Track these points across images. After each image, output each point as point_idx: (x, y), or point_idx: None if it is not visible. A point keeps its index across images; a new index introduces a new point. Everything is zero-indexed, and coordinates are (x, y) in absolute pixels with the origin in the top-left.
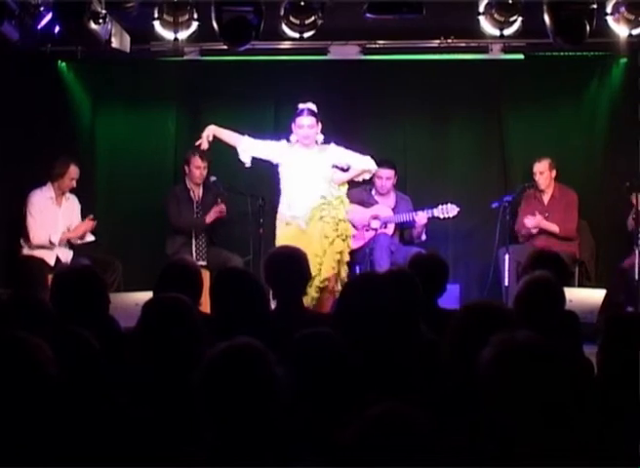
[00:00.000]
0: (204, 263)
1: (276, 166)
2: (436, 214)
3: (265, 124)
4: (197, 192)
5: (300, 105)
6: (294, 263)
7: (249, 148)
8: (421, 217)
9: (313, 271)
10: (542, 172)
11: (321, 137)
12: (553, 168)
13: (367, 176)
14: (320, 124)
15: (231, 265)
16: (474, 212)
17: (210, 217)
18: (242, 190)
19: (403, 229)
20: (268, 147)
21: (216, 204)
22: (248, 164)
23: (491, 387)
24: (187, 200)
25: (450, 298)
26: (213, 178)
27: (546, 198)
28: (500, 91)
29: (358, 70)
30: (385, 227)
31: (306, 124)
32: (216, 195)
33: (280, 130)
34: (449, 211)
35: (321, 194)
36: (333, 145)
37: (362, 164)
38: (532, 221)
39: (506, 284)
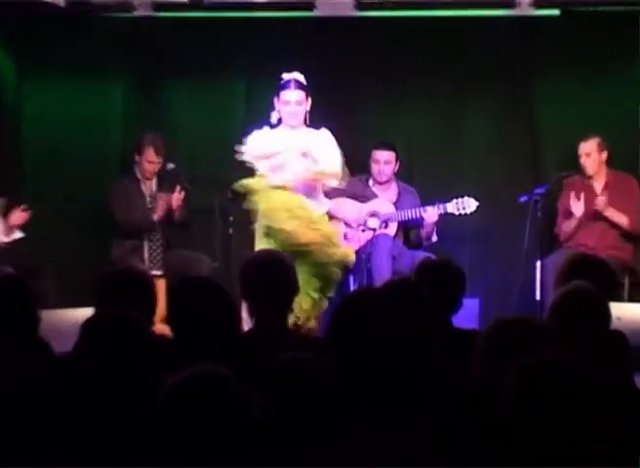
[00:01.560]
0: (159, 272)
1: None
2: (450, 210)
3: (236, 100)
4: (150, 185)
5: (286, 76)
6: (279, 272)
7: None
8: (431, 214)
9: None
10: (590, 153)
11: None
12: (603, 149)
13: (332, 183)
14: (310, 99)
15: (195, 272)
16: (497, 207)
17: (159, 213)
18: (208, 182)
19: (408, 229)
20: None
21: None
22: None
23: (512, 416)
24: (137, 194)
25: (467, 316)
26: (170, 166)
27: (598, 186)
28: (531, 56)
29: (352, 31)
30: (386, 226)
31: (294, 99)
32: (173, 186)
33: (254, 107)
34: (466, 206)
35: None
36: (325, 131)
37: (326, 165)
38: (581, 206)
39: (538, 297)
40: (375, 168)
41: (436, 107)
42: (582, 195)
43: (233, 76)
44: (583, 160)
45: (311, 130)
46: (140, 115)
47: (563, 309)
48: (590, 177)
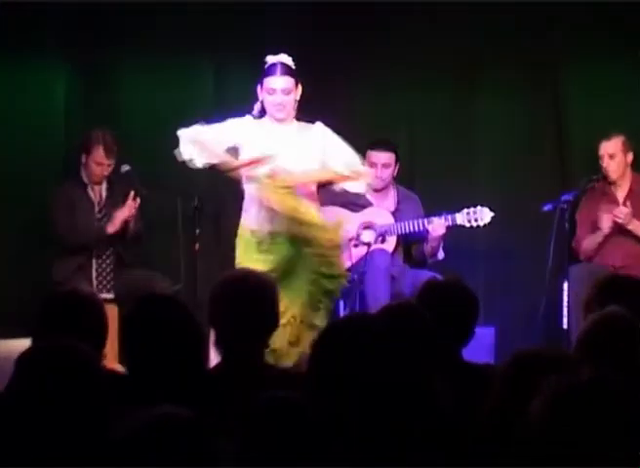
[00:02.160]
0: (109, 296)
1: (233, 151)
2: (460, 222)
3: (202, 87)
4: (99, 190)
5: (271, 58)
6: (257, 297)
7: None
8: (438, 226)
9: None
10: (614, 154)
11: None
12: (629, 149)
13: (355, 188)
14: (300, 87)
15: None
16: (516, 218)
17: (114, 225)
18: (169, 187)
19: (409, 244)
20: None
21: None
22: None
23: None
24: (84, 201)
25: (480, 348)
26: (125, 168)
27: (621, 193)
28: (557, 39)
29: (344, 8)
30: (383, 241)
31: (279, 87)
32: (127, 192)
33: (224, 95)
34: (479, 216)
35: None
36: (320, 125)
37: (352, 166)
38: (608, 220)
39: (565, 326)
40: (372, 172)
41: (444, 100)
42: (603, 204)
43: (199, 58)
44: (606, 162)
45: (303, 124)
46: (87, 109)
47: (593, 340)
48: (613, 183)
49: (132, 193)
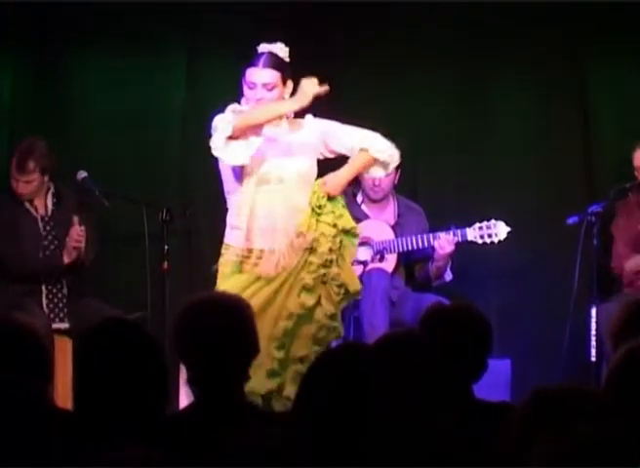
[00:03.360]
0: (64, 325)
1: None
2: (471, 238)
3: (172, 80)
4: (42, 203)
5: (262, 47)
6: (233, 324)
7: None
8: (445, 243)
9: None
10: None
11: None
12: None
13: (378, 173)
14: (290, 83)
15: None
16: (536, 233)
17: (70, 254)
18: (133, 197)
19: (412, 263)
20: None
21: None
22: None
23: None
24: (24, 218)
25: (495, 383)
26: (82, 175)
27: None
28: (583, 32)
29: None
30: (381, 259)
31: (260, 80)
32: (83, 203)
33: (196, 95)
34: (493, 232)
35: (302, 204)
36: (310, 118)
37: (368, 142)
38: (634, 262)
39: (593, 358)
40: (368, 180)
41: (453, 98)
42: (637, 216)
43: (170, 46)
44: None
45: (293, 121)
46: (36, 108)
47: (624, 376)
48: None
49: (75, 219)
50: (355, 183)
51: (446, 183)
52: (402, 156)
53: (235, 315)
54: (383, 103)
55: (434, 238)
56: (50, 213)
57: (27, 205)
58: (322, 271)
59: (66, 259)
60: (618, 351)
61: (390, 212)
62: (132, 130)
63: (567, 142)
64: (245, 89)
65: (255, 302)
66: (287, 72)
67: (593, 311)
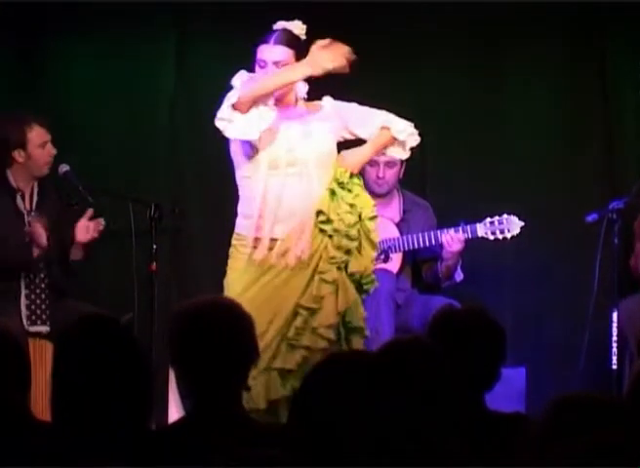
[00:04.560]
0: (45, 328)
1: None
2: (481, 234)
3: (161, 65)
4: (28, 194)
5: (278, 24)
6: (230, 329)
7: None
8: (454, 240)
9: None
10: None
11: (304, 88)
12: None
13: (398, 154)
14: None
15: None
16: (553, 230)
17: (39, 243)
18: (119, 192)
19: (419, 262)
20: None
21: (73, 215)
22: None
23: None
24: (9, 211)
25: (508, 392)
26: (64, 168)
27: None
28: (602, 22)
29: None
30: (386, 259)
31: (271, 58)
32: (66, 199)
33: (186, 81)
34: (505, 227)
35: (321, 190)
36: (329, 99)
37: (389, 121)
38: None
39: (614, 366)
40: (371, 172)
41: (461, 83)
42: None
43: (159, 25)
44: None
45: (310, 104)
46: (13, 96)
47: None
48: None
49: (90, 211)
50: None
51: (455, 177)
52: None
53: (237, 321)
54: (393, 97)
55: (443, 234)
56: (35, 205)
57: (18, 196)
58: (344, 258)
59: (36, 252)
60: (636, 363)
61: (395, 208)
62: (117, 120)
63: (586, 136)
64: (256, 68)
65: (264, 294)
66: (301, 50)
67: (614, 315)
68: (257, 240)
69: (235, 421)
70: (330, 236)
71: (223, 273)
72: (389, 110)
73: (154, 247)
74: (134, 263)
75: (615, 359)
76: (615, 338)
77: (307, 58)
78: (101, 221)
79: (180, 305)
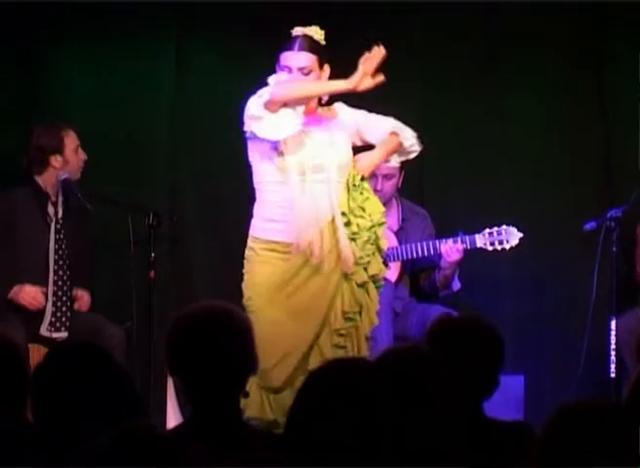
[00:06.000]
0: (63, 335)
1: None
2: (480, 245)
3: (161, 68)
4: (53, 202)
5: (295, 31)
6: (229, 336)
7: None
8: (452, 250)
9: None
10: None
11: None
12: None
13: (394, 160)
14: (327, 67)
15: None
16: (551, 239)
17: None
18: (117, 199)
19: (417, 272)
20: None
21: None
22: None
23: None
24: (37, 220)
25: (507, 400)
26: (63, 175)
27: None
28: (602, 24)
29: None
30: (385, 268)
31: (296, 64)
32: (77, 209)
33: (186, 86)
34: (504, 238)
35: (338, 193)
36: (342, 105)
37: (398, 127)
38: None
39: (613, 374)
40: (370, 184)
41: (460, 93)
42: None
43: (156, 40)
44: None
45: (324, 109)
46: (12, 101)
47: None
48: None
49: (41, 296)
50: None
51: (454, 187)
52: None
53: (237, 326)
54: (393, 106)
55: (442, 244)
56: (62, 216)
57: (49, 204)
58: (367, 260)
59: (10, 295)
60: (638, 367)
61: (394, 216)
62: (116, 128)
63: (584, 145)
64: (281, 75)
65: (299, 298)
66: (324, 56)
67: (613, 323)
68: (282, 244)
69: (233, 428)
70: (353, 239)
71: (222, 280)
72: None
73: (152, 255)
74: (132, 271)
75: (613, 367)
76: (613, 347)
77: (354, 77)
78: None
79: (179, 312)
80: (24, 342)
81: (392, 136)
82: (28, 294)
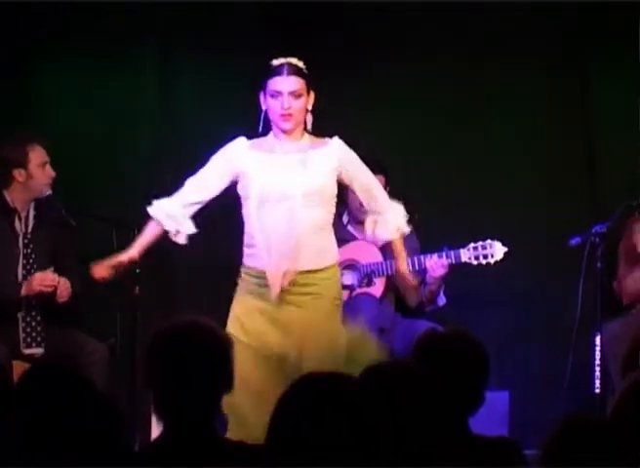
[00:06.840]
0: (39, 350)
1: (233, 182)
2: (465, 260)
3: (142, 89)
4: (24, 216)
5: (276, 61)
6: (208, 350)
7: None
8: (437, 265)
9: None
10: None
11: (309, 121)
12: None
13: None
14: (312, 93)
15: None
16: (536, 254)
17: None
18: (101, 215)
19: (402, 286)
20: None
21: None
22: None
23: None
24: (6, 236)
25: (492, 416)
26: (47, 191)
27: None
28: (587, 31)
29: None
30: (369, 284)
31: (287, 89)
32: (52, 223)
33: (169, 104)
34: (488, 252)
35: (311, 221)
36: (337, 140)
37: (398, 215)
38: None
39: (597, 390)
40: (354, 200)
41: (445, 106)
42: None
43: (139, 55)
44: None
45: (318, 140)
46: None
47: (633, 406)
48: None
49: (51, 274)
50: (341, 204)
51: (439, 202)
52: (393, 173)
53: (215, 341)
54: (373, 114)
55: (427, 259)
56: (32, 229)
57: (16, 218)
58: None
59: (24, 292)
60: (625, 380)
61: None
62: (100, 142)
63: (568, 159)
64: (268, 100)
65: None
66: (310, 81)
67: (597, 339)
68: (255, 270)
69: (208, 442)
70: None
71: (208, 298)
72: (374, 132)
73: (136, 270)
74: (117, 287)
75: (598, 383)
76: (597, 362)
77: None
78: (66, 284)
79: (159, 326)
80: (8, 359)
81: (399, 239)
82: (42, 281)
